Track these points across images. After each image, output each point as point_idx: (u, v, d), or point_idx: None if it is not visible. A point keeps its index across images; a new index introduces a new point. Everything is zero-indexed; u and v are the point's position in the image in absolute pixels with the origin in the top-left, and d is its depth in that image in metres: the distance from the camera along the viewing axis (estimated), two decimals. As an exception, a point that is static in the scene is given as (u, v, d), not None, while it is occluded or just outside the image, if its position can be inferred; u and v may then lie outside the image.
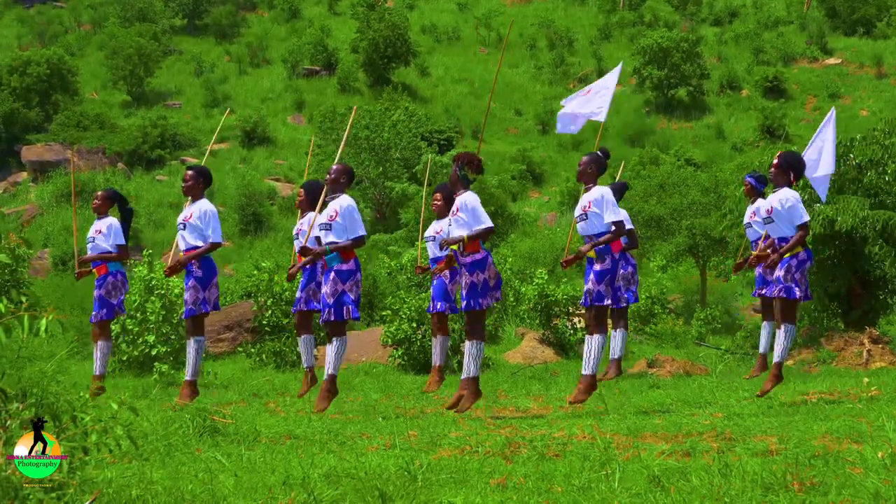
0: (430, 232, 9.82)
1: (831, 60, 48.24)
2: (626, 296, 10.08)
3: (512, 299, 15.99)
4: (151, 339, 12.53)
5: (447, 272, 9.35)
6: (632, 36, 50.21)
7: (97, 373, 9.63)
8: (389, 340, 13.15)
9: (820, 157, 9.91)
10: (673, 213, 24.80)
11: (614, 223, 7.77)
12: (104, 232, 9.59)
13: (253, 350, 13.85)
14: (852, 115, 41.81)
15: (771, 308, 10.15)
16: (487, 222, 7.76)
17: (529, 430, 6.58)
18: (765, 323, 10.19)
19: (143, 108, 44.16)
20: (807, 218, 8.23)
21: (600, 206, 7.80)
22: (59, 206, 34.83)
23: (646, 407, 8.08)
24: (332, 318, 7.85)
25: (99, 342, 9.63)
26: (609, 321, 8.63)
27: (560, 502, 4.50)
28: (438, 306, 9.40)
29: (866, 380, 8.66)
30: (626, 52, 45.69)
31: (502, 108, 44.54)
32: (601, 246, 7.78)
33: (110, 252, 9.56)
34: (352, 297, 7.86)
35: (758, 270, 10.19)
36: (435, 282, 9.55)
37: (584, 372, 7.89)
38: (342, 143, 8.97)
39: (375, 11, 46.54)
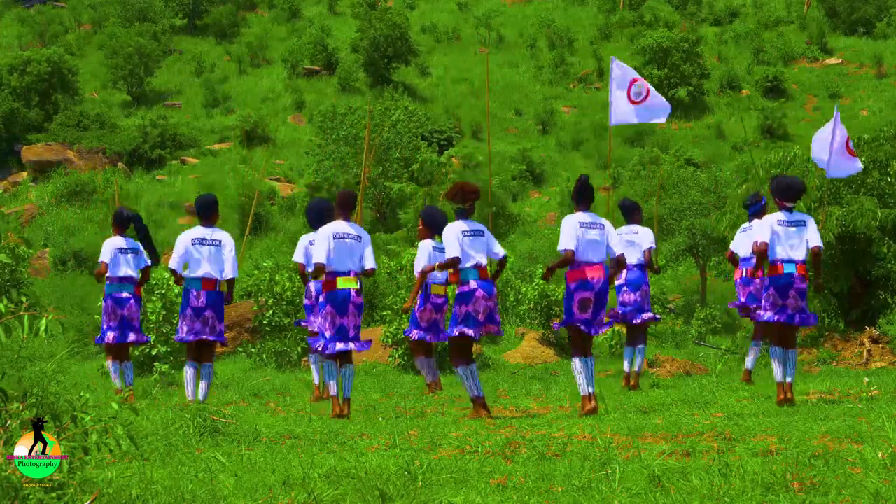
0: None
1: (831, 60, 48.18)
2: (620, 313, 10.20)
3: (512, 299, 15.96)
4: (152, 338, 12.52)
5: (418, 299, 9.91)
6: (632, 36, 50.15)
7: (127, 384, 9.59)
8: (389, 340, 13.15)
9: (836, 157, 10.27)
10: (673, 213, 24.80)
11: (564, 251, 7.92)
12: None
13: (253, 350, 13.85)
14: (852, 115, 41.75)
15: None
16: (452, 253, 7.93)
17: (529, 430, 6.58)
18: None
19: (143, 108, 44.13)
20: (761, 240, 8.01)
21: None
22: (59, 206, 34.81)
23: (646, 407, 8.08)
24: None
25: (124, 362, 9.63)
26: None
27: (560, 502, 4.50)
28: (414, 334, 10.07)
29: (866, 380, 8.66)
30: (626, 52, 45.66)
31: (502, 108, 44.50)
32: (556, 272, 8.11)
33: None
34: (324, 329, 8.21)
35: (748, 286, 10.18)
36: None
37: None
38: (366, 147, 9.23)
39: (376, 11, 46.49)
